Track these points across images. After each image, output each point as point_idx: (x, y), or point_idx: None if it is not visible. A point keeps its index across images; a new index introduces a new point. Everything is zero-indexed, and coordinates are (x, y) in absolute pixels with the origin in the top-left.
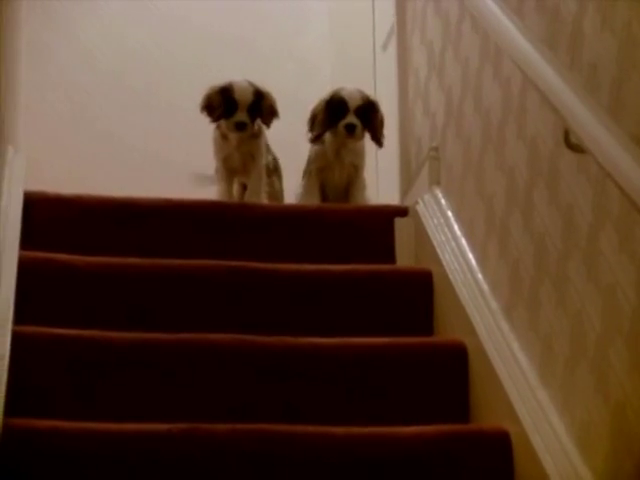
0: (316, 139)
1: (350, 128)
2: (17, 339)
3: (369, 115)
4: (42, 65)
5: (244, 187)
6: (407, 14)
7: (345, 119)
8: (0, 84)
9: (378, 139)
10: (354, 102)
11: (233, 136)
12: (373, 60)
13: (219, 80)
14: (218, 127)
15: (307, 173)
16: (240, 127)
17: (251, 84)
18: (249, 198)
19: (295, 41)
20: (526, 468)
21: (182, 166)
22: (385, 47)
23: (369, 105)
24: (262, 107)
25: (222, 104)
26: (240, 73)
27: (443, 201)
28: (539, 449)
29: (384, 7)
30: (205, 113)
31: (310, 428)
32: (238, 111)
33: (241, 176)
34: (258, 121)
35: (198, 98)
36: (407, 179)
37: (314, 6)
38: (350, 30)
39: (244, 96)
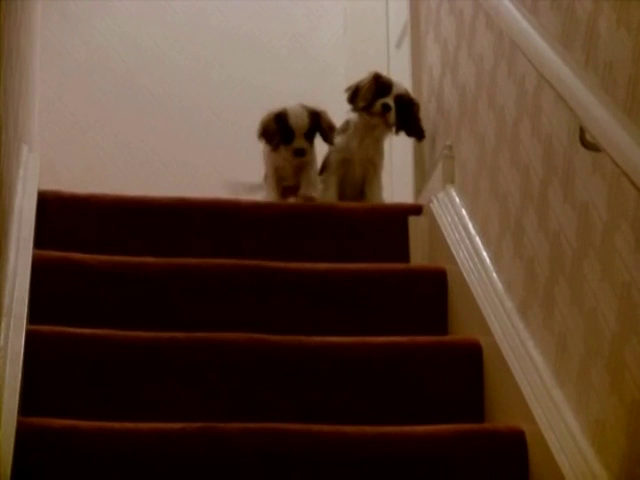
0: (363, 109)
1: (386, 107)
2: (31, 338)
3: (407, 108)
4: (57, 65)
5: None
6: (421, 12)
7: (384, 99)
8: (15, 84)
9: (419, 131)
10: (397, 90)
11: (293, 159)
12: (387, 58)
13: (235, 79)
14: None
15: (326, 168)
16: (299, 154)
17: (305, 108)
18: (304, 196)
19: (309, 40)
20: (541, 467)
21: (197, 166)
22: (399, 45)
23: (410, 101)
24: (320, 127)
25: (278, 132)
26: (254, 72)
27: (457, 199)
28: (554, 448)
29: (398, 5)
30: (263, 140)
31: (323, 427)
32: (295, 138)
33: (290, 182)
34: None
35: (212, 97)
36: (421, 177)
37: (328, 5)
38: (364, 29)
39: (299, 122)
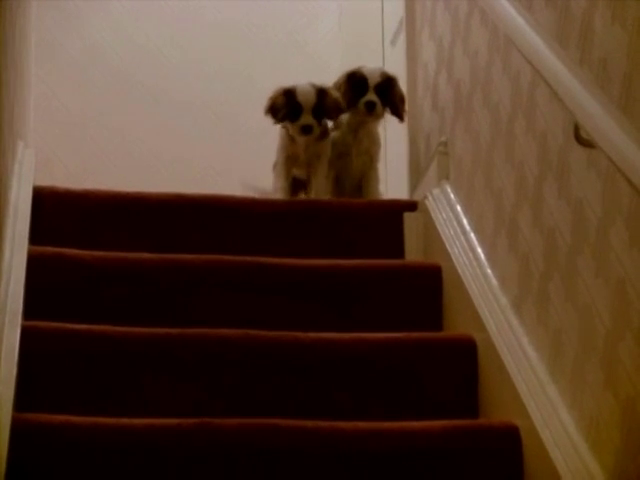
0: (347, 111)
1: (370, 106)
2: (27, 334)
3: (388, 91)
4: (53, 61)
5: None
6: (416, 9)
7: (365, 96)
8: (11, 80)
9: (399, 113)
10: (374, 79)
11: (301, 138)
12: (382, 55)
13: (231, 75)
14: (285, 126)
15: None
16: (306, 130)
17: (313, 86)
18: (316, 196)
19: (305, 36)
20: (535, 463)
21: (193, 161)
22: (394, 42)
23: (388, 81)
24: (325, 103)
25: (286, 106)
26: (250, 67)
27: (452, 196)
28: (548, 444)
29: (393, 2)
30: (269, 115)
31: (319, 423)
32: (303, 114)
33: (300, 172)
34: (324, 121)
35: (207, 92)
36: (416, 174)
37: (324, 1)
38: (359, 25)
39: (307, 98)
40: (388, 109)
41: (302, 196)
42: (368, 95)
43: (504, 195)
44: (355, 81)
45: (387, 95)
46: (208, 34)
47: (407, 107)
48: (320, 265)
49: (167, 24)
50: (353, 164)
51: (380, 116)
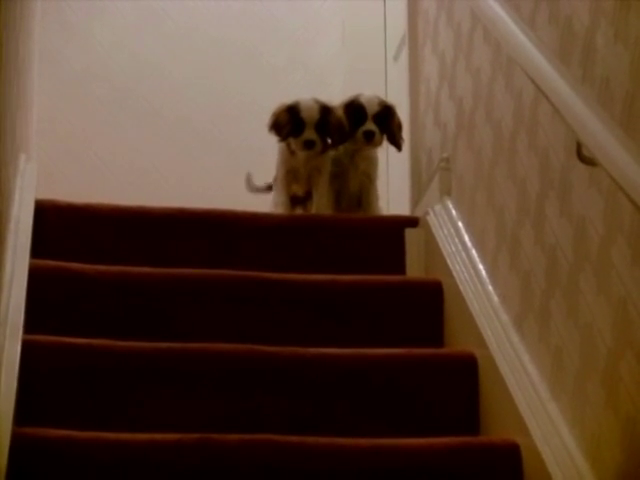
0: (340, 143)
1: (369, 135)
2: (28, 348)
3: (387, 120)
4: (55, 74)
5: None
6: (419, 24)
7: (364, 126)
8: (13, 93)
9: (397, 142)
10: (372, 108)
11: (302, 153)
12: (385, 70)
13: (233, 91)
14: (286, 141)
15: None
16: (308, 146)
17: (317, 101)
18: (317, 211)
19: (307, 51)
20: None
21: (194, 176)
22: (397, 57)
23: (386, 110)
24: (329, 122)
25: (289, 122)
26: (252, 83)
27: (454, 212)
28: (549, 462)
29: (396, 17)
30: (273, 132)
31: (319, 439)
32: (306, 130)
33: (300, 187)
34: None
35: (210, 108)
36: (418, 190)
37: (327, 17)
38: (362, 40)
39: (311, 114)
40: (386, 137)
41: (299, 211)
42: (367, 124)
43: (506, 212)
44: (353, 110)
45: (385, 124)
46: (211, 50)
47: (409, 123)
48: (321, 280)
49: (170, 40)
50: (350, 183)
51: (378, 144)
